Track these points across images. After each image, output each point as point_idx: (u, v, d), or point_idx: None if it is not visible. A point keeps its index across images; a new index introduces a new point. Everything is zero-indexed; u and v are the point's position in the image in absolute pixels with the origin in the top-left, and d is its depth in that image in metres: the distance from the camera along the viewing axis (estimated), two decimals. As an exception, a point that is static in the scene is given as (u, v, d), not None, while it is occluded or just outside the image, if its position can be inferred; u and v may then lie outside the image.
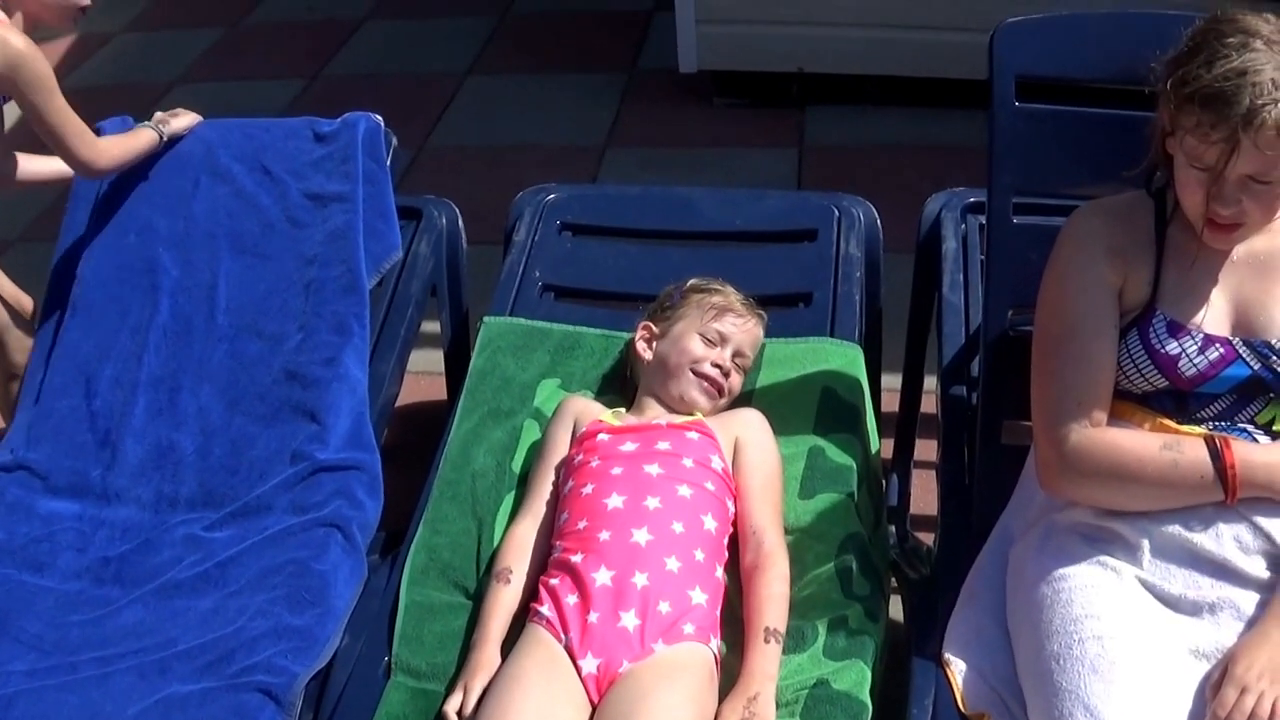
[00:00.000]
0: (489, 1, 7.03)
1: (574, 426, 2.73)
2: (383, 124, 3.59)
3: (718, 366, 2.77)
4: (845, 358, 2.93)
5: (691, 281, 2.93)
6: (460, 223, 3.58)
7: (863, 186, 4.29)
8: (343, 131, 3.54)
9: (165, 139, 3.53)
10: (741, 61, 5.39)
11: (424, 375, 3.85)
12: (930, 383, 3.22)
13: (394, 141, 3.62)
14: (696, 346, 2.78)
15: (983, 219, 2.96)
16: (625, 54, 6.15)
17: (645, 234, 3.35)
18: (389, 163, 3.53)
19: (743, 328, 2.83)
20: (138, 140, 3.48)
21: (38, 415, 3.20)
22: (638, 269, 3.21)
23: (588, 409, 2.77)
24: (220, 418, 3.07)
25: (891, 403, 3.36)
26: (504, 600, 2.50)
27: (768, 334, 2.94)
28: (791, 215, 3.36)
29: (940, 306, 3.06)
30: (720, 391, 2.77)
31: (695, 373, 2.76)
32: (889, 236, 3.30)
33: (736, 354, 2.81)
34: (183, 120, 3.64)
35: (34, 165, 3.61)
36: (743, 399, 2.86)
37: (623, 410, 2.80)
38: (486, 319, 3.14)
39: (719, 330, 2.80)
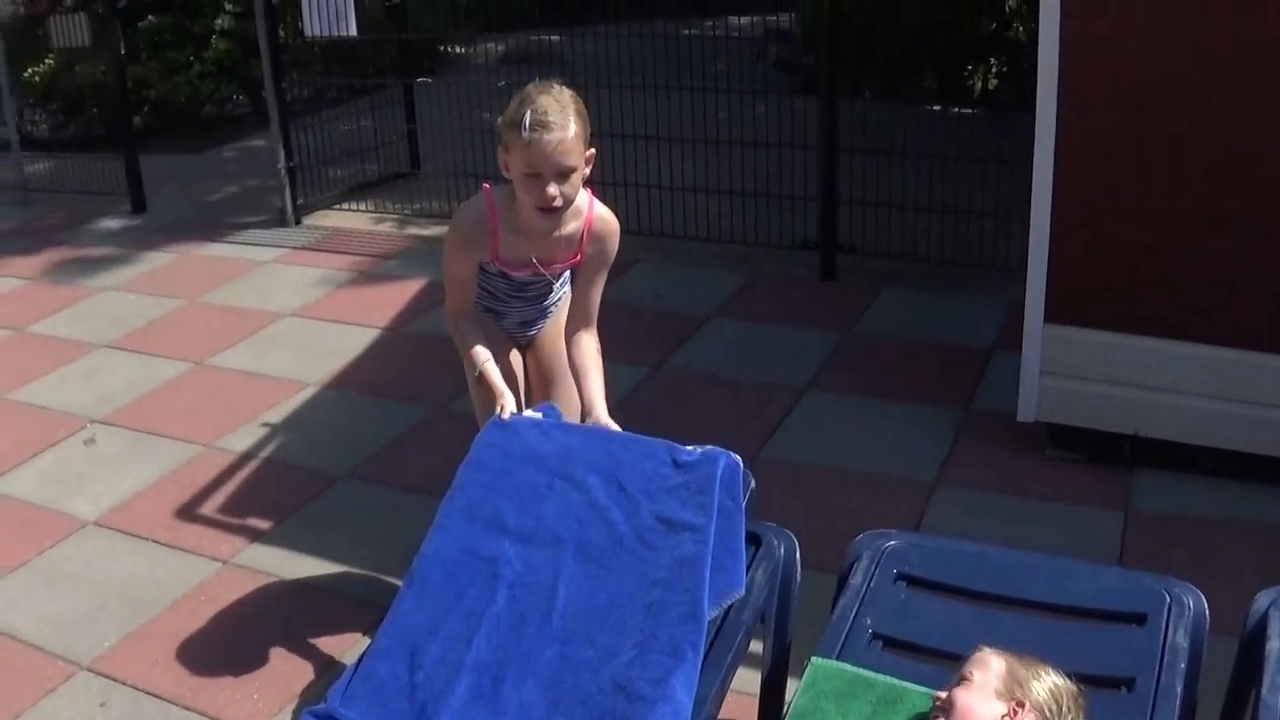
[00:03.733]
0: (833, 317, 7.18)
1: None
2: (742, 464, 3.67)
3: None
4: (1160, 751, 2.89)
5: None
6: (797, 554, 3.63)
7: (1187, 561, 4.27)
8: (703, 464, 3.63)
9: (479, 376, 4.12)
10: (1079, 417, 5.40)
11: (737, 694, 3.86)
12: (1239, 780, 3.18)
13: (752, 483, 3.71)
14: None
15: (1312, 620, 2.94)
16: (962, 390, 6.19)
17: (979, 595, 3.37)
18: (744, 503, 3.60)
19: None
20: (473, 350, 4.16)
21: (359, 675, 3.30)
22: (967, 629, 3.22)
23: (905, 768, 2.78)
24: (540, 715, 3.12)
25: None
26: None
27: (1086, 717, 2.91)
28: (1124, 596, 3.34)
29: (1257, 707, 2.99)
30: None
31: None
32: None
33: None
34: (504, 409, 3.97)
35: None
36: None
37: (939, 774, 2.79)
38: (815, 660, 3.17)
39: None
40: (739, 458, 3.68)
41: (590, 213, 4.12)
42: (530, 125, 3.76)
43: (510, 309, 4.34)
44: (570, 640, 3.27)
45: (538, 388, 4.51)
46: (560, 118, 3.79)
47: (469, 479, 3.72)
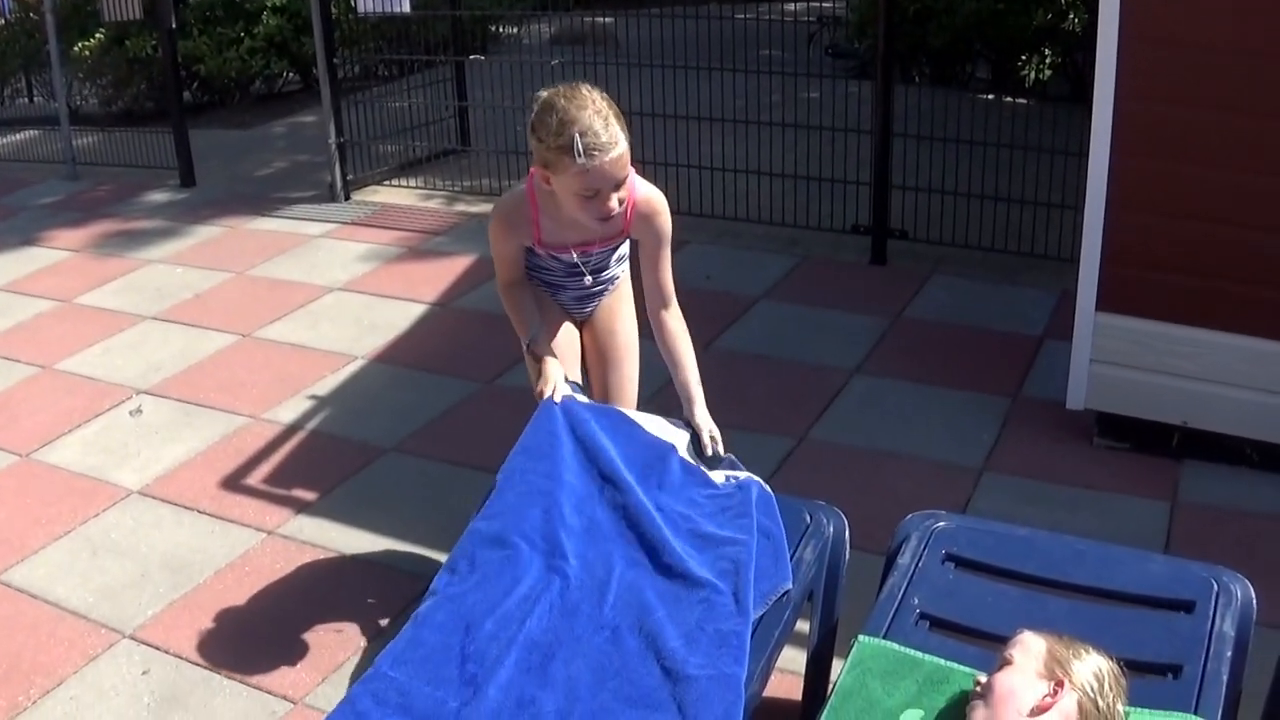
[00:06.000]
0: (883, 302, 7.16)
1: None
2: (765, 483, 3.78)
3: None
4: (1205, 737, 2.87)
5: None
6: (846, 533, 3.63)
7: (1231, 551, 4.24)
8: (738, 491, 3.75)
9: (529, 345, 4.13)
10: (1128, 407, 5.37)
11: (783, 672, 3.87)
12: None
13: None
14: None
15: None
16: (1011, 377, 6.16)
17: (1027, 579, 3.36)
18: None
19: None
20: (525, 320, 4.18)
21: (410, 642, 3.31)
22: (1014, 612, 3.22)
23: (951, 749, 2.77)
24: (588, 689, 3.14)
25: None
26: None
27: (1132, 702, 2.90)
28: (1172, 583, 3.33)
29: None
30: None
31: None
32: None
33: None
34: (553, 388, 3.99)
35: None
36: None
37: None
38: (861, 638, 3.17)
39: None
40: (767, 486, 3.79)
41: (633, 194, 3.99)
42: (585, 151, 3.64)
43: (564, 284, 4.29)
44: (619, 629, 3.30)
45: (595, 366, 4.45)
46: (609, 134, 3.67)
47: (526, 466, 3.75)
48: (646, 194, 4.05)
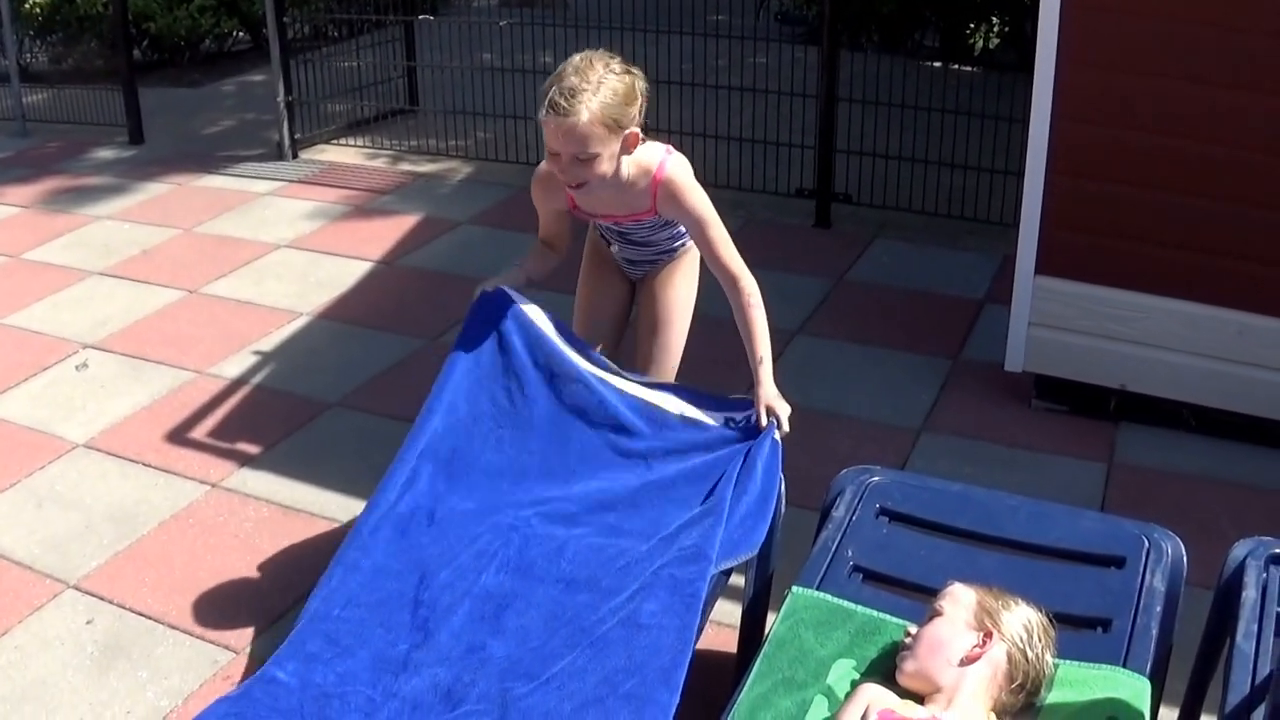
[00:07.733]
0: (826, 264, 7.22)
1: (865, 715, 2.76)
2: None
3: None
4: (1133, 690, 2.93)
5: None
6: (783, 487, 3.68)
7: (1166, 513, 4.28)
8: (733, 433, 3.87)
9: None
10: (1067, 370, 5.43)
11: (719, 625, 3.92)
12: (1207, 721, 3.20)
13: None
14: None
15: (1286, 572, 2.96)
16: (952, 340, 6.22)
17: (960, 533, 3.41)
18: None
19: None
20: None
21: (363, 585, 3.35)
22: (946, 566, 3.26)
23: (882, 699, 2.81)
24: (539, 637, 3.19)
25: (1167, 735, 3.34)
26: None
27: (1061, 654, 2.95)
28: (1104, 539, 3.38)
29: (1231, 653, 3.03)
30: None
31: None
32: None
33: None
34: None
35: None
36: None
37: (914, 704, 2.82)
38: (795, 589, 3.21)
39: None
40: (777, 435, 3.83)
41: (660, 172, 3.91)
42: (547, 104, 3.60)
43: (616, 244, 4.29)
44: (574, 583, 3.34)
45: (639, 331, 4.41)
46: (577, 102, 3.58)
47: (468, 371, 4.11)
48: (670, 174, 3.93)
